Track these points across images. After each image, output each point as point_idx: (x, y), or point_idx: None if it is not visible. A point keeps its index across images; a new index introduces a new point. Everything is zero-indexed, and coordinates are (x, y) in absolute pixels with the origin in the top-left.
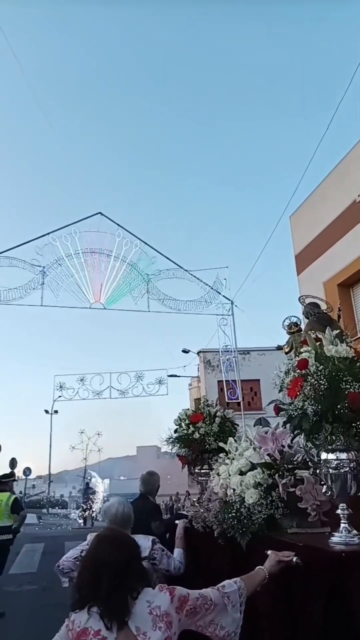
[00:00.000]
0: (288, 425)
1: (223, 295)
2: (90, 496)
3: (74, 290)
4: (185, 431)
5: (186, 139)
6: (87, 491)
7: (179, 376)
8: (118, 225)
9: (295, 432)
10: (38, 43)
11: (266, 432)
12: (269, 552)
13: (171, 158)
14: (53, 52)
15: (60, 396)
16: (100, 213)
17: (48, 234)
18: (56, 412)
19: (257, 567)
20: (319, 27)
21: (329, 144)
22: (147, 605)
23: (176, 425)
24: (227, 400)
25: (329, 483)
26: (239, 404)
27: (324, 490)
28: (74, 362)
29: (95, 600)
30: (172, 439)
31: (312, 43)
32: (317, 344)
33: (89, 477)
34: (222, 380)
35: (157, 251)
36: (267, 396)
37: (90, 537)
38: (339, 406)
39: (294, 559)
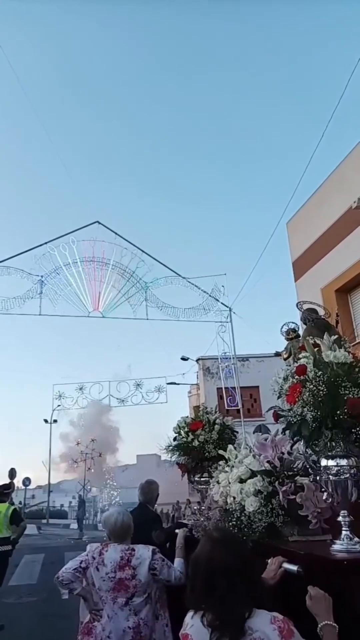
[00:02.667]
0: (287, 432)
1: (221, 303)
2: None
3: (72, 299)
4: (185, 439)
5: (184, 146)
6: (81, 505)
7: (178, 384)
8: (115, 233)
9: (295, 439)
10: (35, 52)
11: (266, 439)
12: (269, 561)
13: (168, 165)
14: (50, 61)
15: (59, 405)
16: (97, 222)
17: (46, 243)
18: (55, 421)
19: (325, 625)
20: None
21: (325, 150)
22: (249, 633)
23: (175, 433)
24: (226, 408)
25: (330, 490)
26: (238, 411)
27: (324, 497)
28: (72, 371)
29: (209, 608)
30: (171, 447)
31: (308, 43)
32: (316, 349)
33: (87, 489)
34: (221, 388)
35: (155, 259)
36: (267, 403)
37: (90, 547)
38: (338, 412)
39: (296, 567)
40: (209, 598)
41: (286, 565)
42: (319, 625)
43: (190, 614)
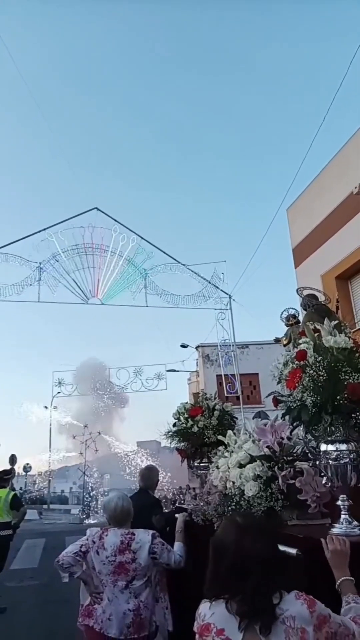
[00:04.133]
0: (287, 417)
1: (221, 290)
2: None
3: (71, 286)
4: (184, 425)
5: (182, 133)
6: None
7: (177, 371)
8: (114, 220)
9: (295, 424)
10: (31, 39)
11: (265, 425)
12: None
13: (167, 154)
14: (47, 47)
15: (59, 392)
16: (96, 208)
17: (44, 229)
18: (55, 408)
19: (344, 580)
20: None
21: (326, 136)
22: (280, 613)
23: (175, 419)
24: (226, 394)
25: (329, 474)
26: (238, 397)
27: (323, 482)
28: (72, 358)
29: (236, 596)
30: (171, 433)
31: (309, 30)
32: (316, 335)
33: (87, 474)
34: (221, 375)
35: (154, 246)
36: (267, 390)
37: (90, 532)
38: (338, 397)
39: (295, 551)
40: (237, 586)
41: (285, 549)
42: (338, 582)
43: (206, 604)
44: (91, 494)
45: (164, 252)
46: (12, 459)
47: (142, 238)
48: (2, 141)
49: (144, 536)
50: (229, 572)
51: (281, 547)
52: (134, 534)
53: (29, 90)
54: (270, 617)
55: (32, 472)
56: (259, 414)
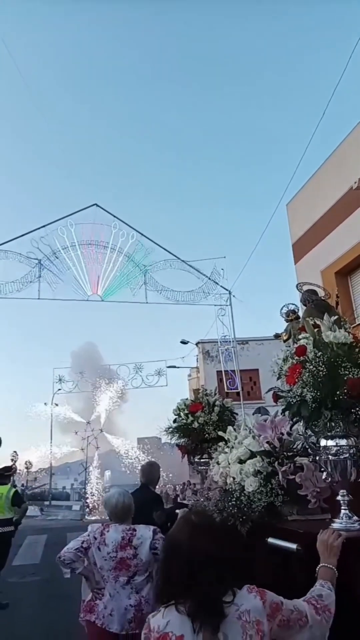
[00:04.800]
0: (287, 413)
1: (221, 286)
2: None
3: (71, 282)
4: (185, 421)
5: (183, 130)
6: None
7: (178, 367)
8: (114, 216)
9: (295, 419)
10: (31, 31)
11: (265, 420)
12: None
13: (167, 148)
14: (48, 41)
15: (60, 389)
16: (96, 204)
17: (44, 226)
18: (56, 404)
19: (321, 567)
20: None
21: (325, 130)
22: (235, 609)
23: (175, 415)
24: (226, 390)
25: (329, 469)
26: (238, 393)
27: (323, 477)
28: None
29: (187, 598)
30: (171, 429)
31: (306, 28)
32: (315, 330)
33: (88, 470)
34: (221, 371)
35: (154, 242)
36: (267, 386)
37: (91, 528)
38: (337, 392)
39: (295, 546)
40: (189, 587)
41: (285, 544)
42: (317, 568)
43: (157, 616)
44: (92, 490)
45: (164, 248)
46: (13, 456)
47: (141, 234)
48: (2, 140)
49: (145, 532)
50: (182, 572)
51: (282, 542)
52: (135, 530)
53: (27, 87)
54: (220, 616)
55: (33, 468)
56: (259, 409)
